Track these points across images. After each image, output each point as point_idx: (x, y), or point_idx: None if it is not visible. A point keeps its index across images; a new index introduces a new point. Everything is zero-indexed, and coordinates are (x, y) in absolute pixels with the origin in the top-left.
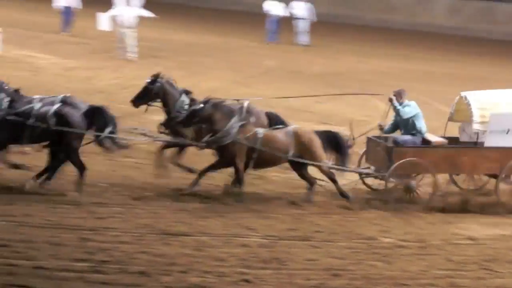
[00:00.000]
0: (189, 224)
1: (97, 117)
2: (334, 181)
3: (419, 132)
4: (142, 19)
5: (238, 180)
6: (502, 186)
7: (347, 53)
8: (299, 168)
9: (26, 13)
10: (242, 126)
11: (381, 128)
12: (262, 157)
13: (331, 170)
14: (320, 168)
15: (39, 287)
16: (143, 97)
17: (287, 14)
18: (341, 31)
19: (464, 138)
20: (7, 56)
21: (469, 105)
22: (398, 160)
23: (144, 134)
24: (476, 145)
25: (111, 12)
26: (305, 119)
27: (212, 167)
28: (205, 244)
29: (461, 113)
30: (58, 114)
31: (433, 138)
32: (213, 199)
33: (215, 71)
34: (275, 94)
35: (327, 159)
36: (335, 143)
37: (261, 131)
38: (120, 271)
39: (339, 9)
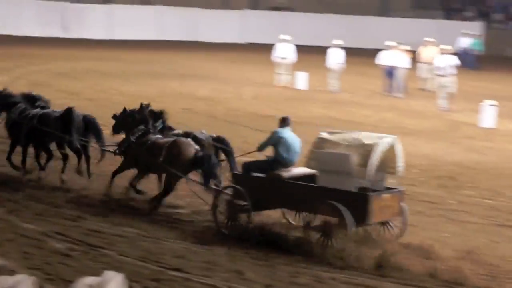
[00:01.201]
0: None
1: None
2: (165, 194)
3: (278, 159)
4: None
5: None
6: None
7: None
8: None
9: None
10: (143, 133)
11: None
12: (146, 161)
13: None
14: (166, 177)
15: None
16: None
17: None
18: None
19: None
20: (501, 129)
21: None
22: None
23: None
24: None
25: None
26: None
27: (119, 170)
28: None
29: None
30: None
31: (297, 170)
32: None
33: None
34: None
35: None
36: (205, 162)
37: (153, 138)
38: None
39: None
